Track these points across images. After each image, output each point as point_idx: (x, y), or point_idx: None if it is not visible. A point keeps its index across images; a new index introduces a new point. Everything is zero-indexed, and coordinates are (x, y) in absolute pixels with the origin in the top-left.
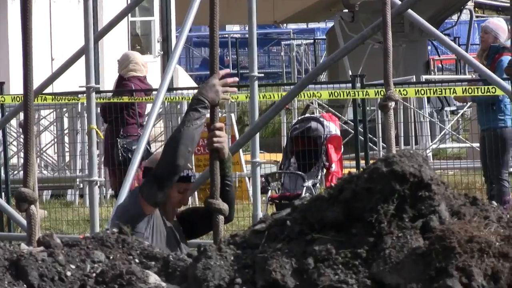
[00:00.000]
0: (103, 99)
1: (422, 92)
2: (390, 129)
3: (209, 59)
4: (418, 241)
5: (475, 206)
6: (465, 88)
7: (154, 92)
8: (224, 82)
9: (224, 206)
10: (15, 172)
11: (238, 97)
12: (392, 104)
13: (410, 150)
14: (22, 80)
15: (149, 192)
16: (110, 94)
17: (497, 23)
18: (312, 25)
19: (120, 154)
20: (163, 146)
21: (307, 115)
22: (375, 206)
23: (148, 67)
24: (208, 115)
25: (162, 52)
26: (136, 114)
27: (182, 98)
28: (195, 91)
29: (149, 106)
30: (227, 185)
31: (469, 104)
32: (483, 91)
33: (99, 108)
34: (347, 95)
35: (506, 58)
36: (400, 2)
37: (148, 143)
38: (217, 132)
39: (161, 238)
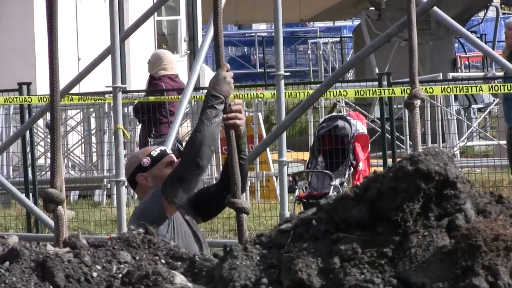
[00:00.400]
0: (129, 99)
1: (449, 90)
2: (416, 127)
3: (234, 57)
4: (443, 240)
5: (501, 204)
6: (491, 86)
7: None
8: (232, 73)
9: (247, 205)
10: (43, 172)
11: (264, 95)
12: (418, 102)
13: (436, 148)
14: (48, 80)
15: (174, 194)
16: (141, 93)
17: None
18: (338, 23)
19: None
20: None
21: (334, 113)
22: (401, 205)
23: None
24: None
25: (188, 51)
26: (168, 113)
27: None
28: None
29: None
30: (242, 158)
31: (496, 101)
32: (509, 89)
33: (131, 108)
34: (373, 94)
35: None
36: (425, 0)
37: (180, 142)
38: (236, 107)
39: (184, 238)
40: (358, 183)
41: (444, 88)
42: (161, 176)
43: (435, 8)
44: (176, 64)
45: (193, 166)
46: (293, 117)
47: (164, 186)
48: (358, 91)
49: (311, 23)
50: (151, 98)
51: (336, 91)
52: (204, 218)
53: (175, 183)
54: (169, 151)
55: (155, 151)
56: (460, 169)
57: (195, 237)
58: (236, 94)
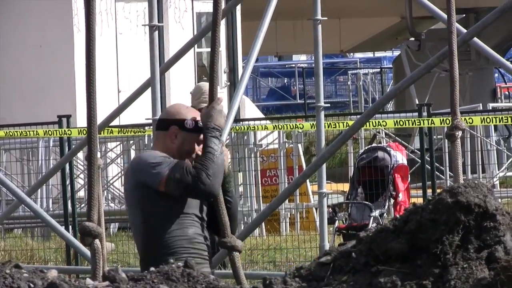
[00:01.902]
0: None
1: (488, 120)
2: (457, 158)
3: (274, 89)
4: (483, 272)
5: None
6: None
7: None
8: (223, 105)
9: (238, 243)
10: (82, 205)
11: (303, 126)
12: (459, 133)
13: (475, 180)
14: (86, 112)
15: (173, 192)
16: None
17: None
18: (378, 54)
19: None
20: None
21: (374, 144)
22: (440, 237)
23: None
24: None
25: (228, 83)
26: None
27: (249, 128)
28: (263, 122)
29: None
30: (228, 202)
31: None
32: None
33: None
34: (412, 124)
35: None
36: (465, 30)
37: None
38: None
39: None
40: (397, 215)
41: (483, 118)
42: (188, 145)
43: (475, 38)
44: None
45: (207, 192)
46: (333, 149)
47: (173, 175)
48: (397, 121)
49: (351, 53)
50: None
51: (375, 122)
52: None
53: (181, 185)
54: None
55: (199, 123)
56: (499, 199)
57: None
58: (276, 125)
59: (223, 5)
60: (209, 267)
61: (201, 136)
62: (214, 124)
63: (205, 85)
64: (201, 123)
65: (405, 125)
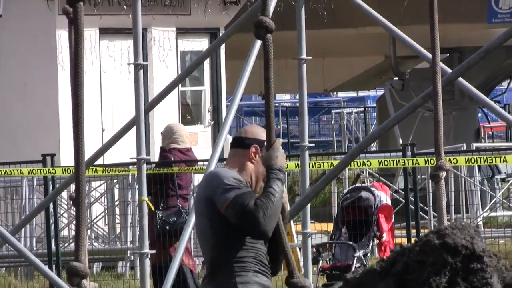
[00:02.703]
0: (153, 170)
1: (473, 160)
2: (442, 199)
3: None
4: None
5: None
6: None
7: (202, 163)
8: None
9: (307, 283)
10: (66, 244)
11: (288, 166)
12: (444, 174)
13: (462, 222)
14: (73, 151)
15: (231, 216)
16: (152, 165)
17: None
18: (362, 93)
19: (158, 226)
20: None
21: (357, 184)
22: (427, 279)
23: (199, 137)
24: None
25: (212, 122)
26: (176, 186)
27: None
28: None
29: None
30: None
31: None
32: None
33: None
34: (397, 164)
35: None
36: (450, 70)
37: (187, 213)
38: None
39: None
40: (384, 257)
41: (468, 159)
42: (259, 167)
43: (460, 78)
44: (188, 138)
45: (260, 229)
46: (318, 189)
47: (231, 207)
48: (382, 161)
49: (335, 93)
50: (164, 170)
51: (360, 161)
52: None
53: (236, 217)
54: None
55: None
56: (483, 240)
57: None
58: None
59: (272, 48)
60: (271, 284)
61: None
62: (278, 166)
63: (176, 126)
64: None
65: (390, 165)
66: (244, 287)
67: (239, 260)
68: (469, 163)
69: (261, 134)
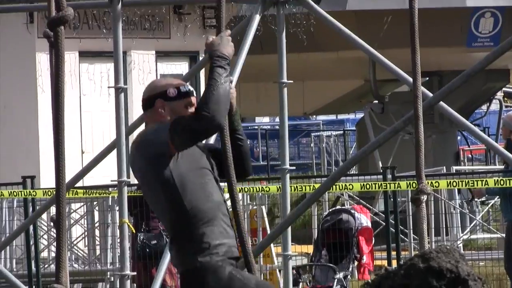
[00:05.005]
0: (133, 193)
1: (454, 184)
2: (422, 222)
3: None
4: None
5: None
6: (497, 180)
7: None
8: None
9: None
10: (46, 265)
11: (269, 189)
12: (424, 197)
13: (447, 246)
14: (55, 174)
15: (181, 143)
16: (133, 188)
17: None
18: (341, 116)
19: (138, 249)
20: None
21: (338, 207)
22: None
23: None
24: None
25: None
26: None
27: None
28: (225, 183)
29: None
30: (239, 139)
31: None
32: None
33: None
34: (379, 187)
35: None
36: (431, 94)
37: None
38: None
39: (191, 155)
40: (369, 280)
41: (450, 182)
42: (179, 113)
43: (440, 102)
44: None
45: (211, 123)
46: (299, 212)
47: (174, 131)
48: (363, 184)
49: (314, 116)
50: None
51: (341, 185)
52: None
53: (186, 133)
54: (195, 94)
55: (184, 87)
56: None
57: (203, 151)
58: (241, 188)
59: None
60: (233, 236)
61: (189, 99)
62: (220, 53)
63: None
64: (184, 88)
65: (372, 188)
66: (204, 257)
67: (199, 221)
68: (450, 186)
69: (161, 85)
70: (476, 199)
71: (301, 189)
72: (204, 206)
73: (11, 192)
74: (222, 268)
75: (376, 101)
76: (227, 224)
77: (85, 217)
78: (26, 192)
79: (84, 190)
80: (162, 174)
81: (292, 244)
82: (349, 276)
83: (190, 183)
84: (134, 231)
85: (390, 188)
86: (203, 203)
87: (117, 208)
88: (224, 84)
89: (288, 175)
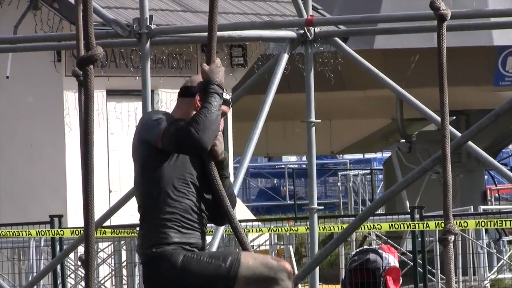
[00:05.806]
0: None
1: (482, 223)
2: (450, 262)
3: (264, 189)
4: None
5: None
6: None
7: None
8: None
9: None
10: None
11: (298, 229)
12: (452, 237)
13: (473, 286)
14: (83, 213)
15: (167, 145)
16: None
17: None
18: (368, 155)
19: None
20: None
21: (365, 246)
22: None
23: None
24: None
25: None
26: None
27: None
28: (255, 223)
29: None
30: (225, 178)
31: None
32: None
33: None
34: (407, 227)
35: None
36: (459, 134)
37: None
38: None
39: (182, 158)
40: None
41: (478, 222)
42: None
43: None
44: None
45: (198, 145)
46: (326, 252)
47: (168, 131)
48: (392, 224)
49: (341, 155)
50: None
51: (370, 225)
52: None
53: (173, 141)
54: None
55: (226, 94)
56: None
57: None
58: (269, 228)
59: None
60: (200, 238)
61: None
62: (220, 82)
63: None
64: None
65: (400, 228)
66: (159, 248)
67: (164, 213)
68: (478, 226)
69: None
70: (503, 239)
71: (329, 229)
72: (174, 201)
73: (39, 231)
74: (176, 253)
75: (403, 140)
76: (195, 228)
77: (112, 256)
78: (54, 231)
79: (112, 230)
80: (145, 156)
81: (319, 284)
82: None
83: (167, 186)
84: None
85: (418, 228)
86: (175, 198)
87: None
88: (217, 112)
89: (316, 215)
